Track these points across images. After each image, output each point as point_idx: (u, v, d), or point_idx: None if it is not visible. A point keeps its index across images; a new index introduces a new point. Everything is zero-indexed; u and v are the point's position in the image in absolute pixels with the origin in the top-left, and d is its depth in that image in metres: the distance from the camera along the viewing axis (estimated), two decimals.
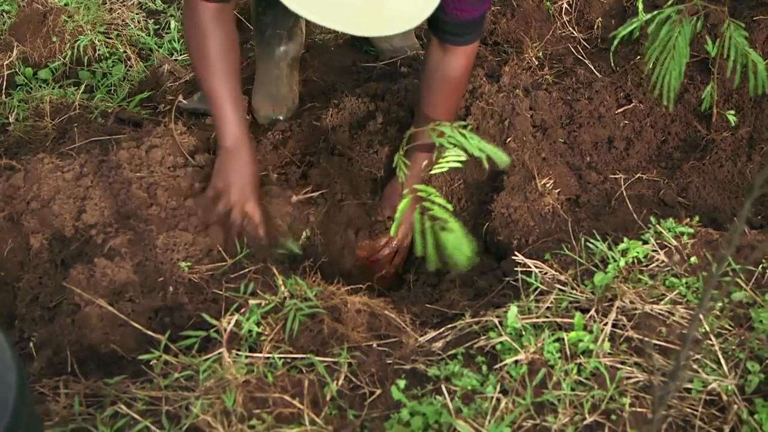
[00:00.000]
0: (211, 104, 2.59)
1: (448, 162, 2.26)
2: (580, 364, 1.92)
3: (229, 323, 2.05)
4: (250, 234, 2.57)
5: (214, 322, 2.08)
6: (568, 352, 1.95)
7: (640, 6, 2.84)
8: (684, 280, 2.12)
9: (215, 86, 2.55)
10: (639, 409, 1.83)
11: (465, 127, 2.23)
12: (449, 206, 2.16)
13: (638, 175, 2.77)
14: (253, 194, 2.63)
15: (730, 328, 2.01)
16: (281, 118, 3.27)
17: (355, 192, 2.83)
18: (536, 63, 3.34)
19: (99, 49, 3.82)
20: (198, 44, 2.52)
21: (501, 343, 2.00)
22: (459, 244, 2.14)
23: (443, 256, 2.15)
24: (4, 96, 3.56)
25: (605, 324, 2.00)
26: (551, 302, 2.10)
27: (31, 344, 2.24)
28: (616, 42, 2.87)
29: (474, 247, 2.16)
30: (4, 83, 3.66)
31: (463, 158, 2.25)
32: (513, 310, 2.06)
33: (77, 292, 2.24)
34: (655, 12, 2.68)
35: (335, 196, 2.83)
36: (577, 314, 2.03)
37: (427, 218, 2.11)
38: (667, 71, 2.68)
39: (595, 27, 3.51)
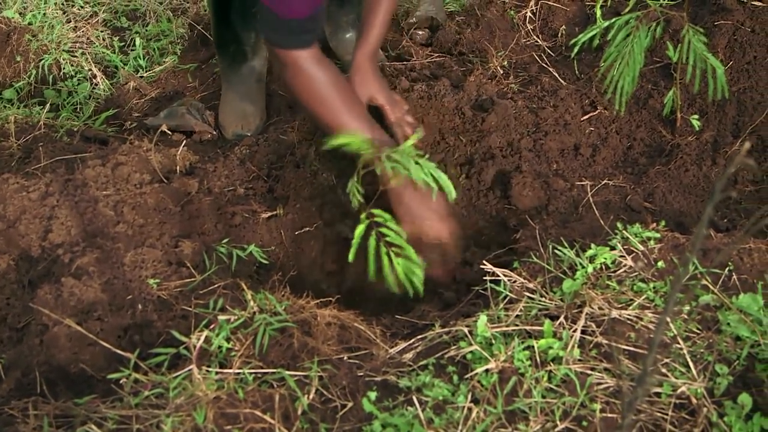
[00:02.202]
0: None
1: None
2: (550, 371, 1.93)
3: (198, 340, 2.04)
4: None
5: (184, 338, 2.07)
6: (539, 360, 1.96)
7: (599, 13, 2.86)
8: (652, 285, 2.13)
9: (345, 122, 2.50)
10: (610, 415, 1.84)
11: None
12: (403, 233, 2.18)
13: (605, 181, 2.78)
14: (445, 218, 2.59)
15: (698, 331, 2.02)
16: (249, 134, 3.27)
17: (321, 205, 2.83)
18: (501, 72, 3.35)
19: (64, 68, 3.80)
20: (310, 91, 2.49)
21: (471, 352, 2.00)
22: (411, 269, 2.17)
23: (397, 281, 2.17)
24: None
25: (574, 330, 2.01)
26: (520, 310, 2.10)
27: None
28: (576, 49, 2.90)
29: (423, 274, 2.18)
30: None
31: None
32: (482, 319, 2.06)
33: (45, 312, 2.23)
34: (614, 18, 2.70)
35: (302, 210, 2.83)
36: (547, 321, 2.04)
37: (382, 244, 2.13)
38: (621, 76, 2.70)
39: (559, 35, 3.53)
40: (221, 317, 2.10)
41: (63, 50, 3.86)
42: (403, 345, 2.12)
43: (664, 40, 3.11)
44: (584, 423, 1.82)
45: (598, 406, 1.84)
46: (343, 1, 3.53)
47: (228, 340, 2.06)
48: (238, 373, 1.97)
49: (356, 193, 2.24)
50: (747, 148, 1.15)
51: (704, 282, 2.12)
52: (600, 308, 2.07)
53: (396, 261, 2.15)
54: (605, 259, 2.22)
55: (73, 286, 2.30)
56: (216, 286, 2.35)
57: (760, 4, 3.14)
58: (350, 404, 1.92)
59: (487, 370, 1.94)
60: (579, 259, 2.24)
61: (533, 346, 1.98)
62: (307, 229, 2.78)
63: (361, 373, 2.00)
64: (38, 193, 2.61)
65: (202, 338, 2.04)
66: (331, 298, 2.28)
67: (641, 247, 2.25)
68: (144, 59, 3.91)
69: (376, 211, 2.16)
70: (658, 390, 1.88)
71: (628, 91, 2.73)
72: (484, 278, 2.26)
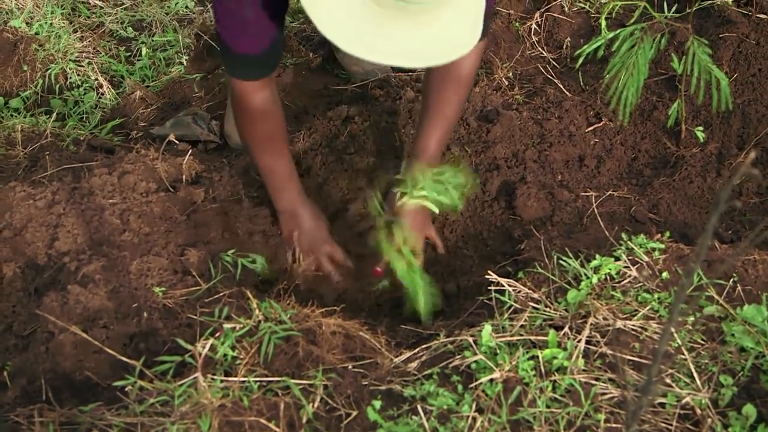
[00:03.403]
0: (263, 176, 2.70)
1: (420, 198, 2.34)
2: (554, 381, 1.93)
3: (204, 348, 2.04)
4: (338, 269, 2.74)
5: (189, 346, 2.07)
6: (543, 370, 1.96)
7: (603, 24, 2.87)
8: (656, 296, 2.14)
9: (268, 162, 2.66)
10: (614, 425, 1.84)
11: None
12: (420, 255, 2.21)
13: (609, 192, 2.79)
14: (325, 235, 2.77)
15: (702, 342, 2.03)
16: None
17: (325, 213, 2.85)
18: (506, 83, 3.36)
19: (70, 77, 3.81)
20: (248, 130, 2.59)
21: (476, 361, 2.00)
22: (419, 294, 2.19)
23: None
24: None
25: (579, 341, 2.01)
26: (525, 320, 2.11)
27: (5, 373, 2.23)
28: (581, 60, 2.90)
29: (435, 304, 2.20)
30: None
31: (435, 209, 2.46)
32: (487, 328, 2.06)
33: (51, 319, 2.23)
34: (619, 30, 2.71)
35: None
36: (551, 332, 2.04)
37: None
38: (625, 87, 2.71)
39: (564, 47, 3.54)
40: (226, 325, 2.11)
41: (69, 60, 3.87)
42: (407, 354, 2.12)
43: (668, 51, 3.12)
44: None
45: (602, 416, 1.85)
46: None
47: (233, 348, 2.06)
48: (243, 382, 1.97)
49: (378, 209, 2.29)
50: (752, 159, 1.16)
51: (709, 293, 2.12)
52: (604, 318, 2.07)
53: (410, 278, 2.18)
54: (610, 269, 2.22)
55: (79, 294, 2.30)
56: (221, 294, 2.35)
57: (765, 16, 3.15)
58: (355, 413, 1.92)
59: (491, 380, 1.94)
60: (584, 269, 2.25)
61: (538, 356, 1.98)
62: None
63: (366, 382, 2.01)
64: (45, 201, 2.62)
65: (208, 346, 2.05)
66: (335, 308, 2.29)
67: (646, 258, 2.26)
68: (150, 69, 3.92)
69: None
70: (663, 400, 1.88)
71: (632, 102, 2.73)
72: (489, 288, 2.26)
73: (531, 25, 3.62)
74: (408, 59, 1.92)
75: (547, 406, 1.88)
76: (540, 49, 3.57)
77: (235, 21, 2.27)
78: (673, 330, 2.02)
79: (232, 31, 2.31)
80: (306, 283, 2.70)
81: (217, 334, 2.09)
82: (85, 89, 3.80)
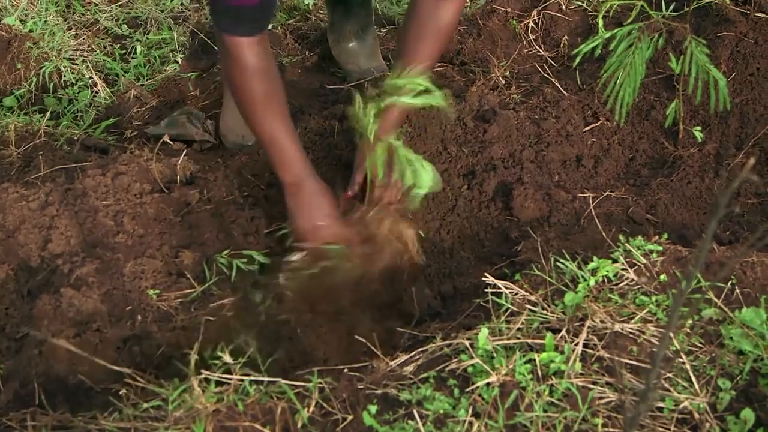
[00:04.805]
0: (265, 146, 2.56)
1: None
2: (551, 385, 1.92)
3: (197, 351, 2.03)
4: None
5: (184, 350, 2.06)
6: (540, 373, 1.95)
7: (601, 23, 2.85)
8: (654, 298, 2.13)
9: (268, 128, 2.51)
10: (612, 430, 1.83)
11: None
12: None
13: (607, 193, 2.78)
14: (330, 215, 2.56)
15: (700, 345, 2.01)
16: (249, 143, 3.25)
17: None
18: (503, 82, 3.35)
19: (65, 76, 3.79)
20: (244, 92, 2.48)
21: (472, 365, 1.99)
22: (420, 169, 2.14)
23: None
24: None
25: (576, 344, 2.00)
26: (522, 323, 2.09)
27: None
28: (578, 59, 2.89)
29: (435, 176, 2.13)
30: None
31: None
32: (484, 331, 2.05)
33: (44, 323, 2.22)
34: (617, 29, 2.70)
35: None
36: (548, 335, 2.03)
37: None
38: (621, 87, 2.70)
39: (562, 45, 3.53)
40: None
41: (64, 58, 3.85)
42: (403, 357, 2.11)
43: (666, 51, 3.11)
44: None
45: (600, 421, 1.83)
46: (349, 12, 3.53)
47: None
48: (238, 386, 1.96)
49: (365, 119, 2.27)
50: (752, 164, 1.14)
51: (707, 295, 2.11)
52: (602, 321, 2.06)
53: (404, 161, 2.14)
54: (607, 271, 2.21)
55: (72, 297, 2.29)
56: (216, 297, 2.34)
57: (763, 15, 3.13)
58: (350, 417, 1.91)
59: (488, 384, 1.93)
60: (581, 271, 2.23)
61: (535, 360, 1.97)
62: None
63: (362, 386, 1.99)
64: (38, 202, 2.60)
65: None
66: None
67: (643, 260, 2.24)
68: (145, 67, 3.90)
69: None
70: (661, 405, 1.87)
71: (628, 101, 2.72)
72: (486, 290, 2.25)
73: (528, 23, 3.60)
74: None
75: (544, 411, 1.87)
76: (537, 47, 3.56)
77: None
78: (671, 333, 2.01)
79: None
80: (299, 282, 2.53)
81: None
82: (79, 87, 3.78)
